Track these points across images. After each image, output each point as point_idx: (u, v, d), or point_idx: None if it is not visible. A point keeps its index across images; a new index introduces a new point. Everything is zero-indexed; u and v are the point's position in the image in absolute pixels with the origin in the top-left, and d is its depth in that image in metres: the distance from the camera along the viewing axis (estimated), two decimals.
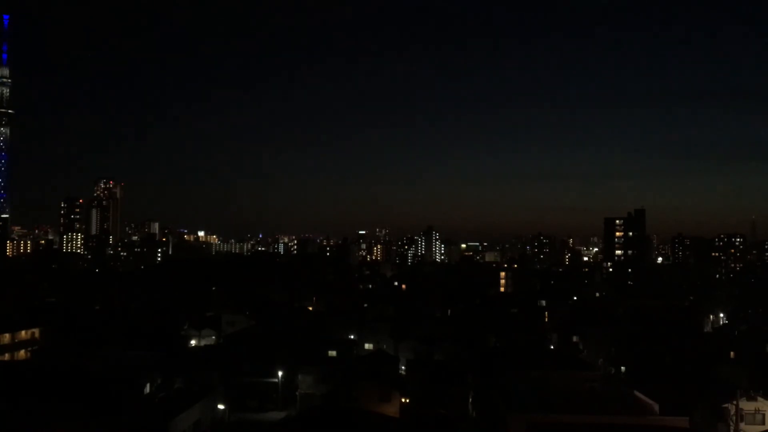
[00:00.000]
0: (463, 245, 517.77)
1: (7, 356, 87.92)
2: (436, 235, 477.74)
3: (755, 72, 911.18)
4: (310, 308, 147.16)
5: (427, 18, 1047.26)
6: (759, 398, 57.19)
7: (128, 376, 62.40)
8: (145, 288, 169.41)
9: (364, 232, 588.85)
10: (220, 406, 63.92)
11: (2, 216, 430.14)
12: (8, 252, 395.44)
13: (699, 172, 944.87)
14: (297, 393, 74.04)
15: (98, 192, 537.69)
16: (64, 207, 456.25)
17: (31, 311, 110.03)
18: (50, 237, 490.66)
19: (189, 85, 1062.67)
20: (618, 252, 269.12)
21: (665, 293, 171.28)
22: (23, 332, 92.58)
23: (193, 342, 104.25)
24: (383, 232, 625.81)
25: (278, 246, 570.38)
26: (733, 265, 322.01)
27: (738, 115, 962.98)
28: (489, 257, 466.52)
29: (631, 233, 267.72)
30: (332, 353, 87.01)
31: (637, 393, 58.91)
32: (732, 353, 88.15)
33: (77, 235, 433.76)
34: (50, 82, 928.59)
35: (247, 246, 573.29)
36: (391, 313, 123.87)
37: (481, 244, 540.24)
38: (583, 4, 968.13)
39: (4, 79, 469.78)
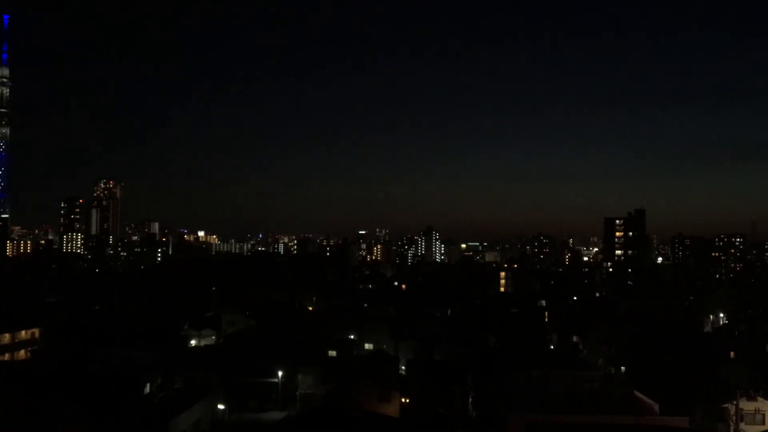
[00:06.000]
0: (463, 245, 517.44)
1: (7, 356, 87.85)
2: (436, 235, 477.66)
3: (755, 72, 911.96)
4: (310, 308, 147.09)
5: (428, 20, 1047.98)
6: (759, 398, 57.19)
7: (128, 376, 62.29)
8: (145, 288, 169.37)
9: (364, 232, 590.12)
10: (220, 406, 63.88)
11: (2, 216, 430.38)
12: (8, 252, 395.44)
13: (699, 172, 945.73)
14: (297, 393, 74.04)
15: (98, 192, 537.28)
16: (64, 207, 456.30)
17: (31, 311, 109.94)
18: (50, 237, 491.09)
19: (189, 86, 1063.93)
20: (618, 252, 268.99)
21: (665, 293, 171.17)
22: (23, 332, 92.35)
23: (193, 342, 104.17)
24: (383, 232, 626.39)
25: (278, 246, 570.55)
26: (733, 265, 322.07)
27: (738, 115, 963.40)
28: (489, 257, 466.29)
29: (631, 233, 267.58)
30: (332, 353, 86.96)
31: (637, 393, 58.92)
32: (732, 353, 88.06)
33: (77, 235, 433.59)
34: (50, 82, 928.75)
35: (247, 246, 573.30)
36: (391, 313, 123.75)
37: (481, 244, 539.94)
38: (583, 5, 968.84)
39: (4, 79, 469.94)
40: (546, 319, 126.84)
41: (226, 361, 75.49)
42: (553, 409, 51.97)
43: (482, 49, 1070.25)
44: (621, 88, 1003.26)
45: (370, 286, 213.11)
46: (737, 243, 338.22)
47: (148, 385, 66.22)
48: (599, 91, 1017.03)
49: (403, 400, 65.40)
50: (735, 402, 55.95)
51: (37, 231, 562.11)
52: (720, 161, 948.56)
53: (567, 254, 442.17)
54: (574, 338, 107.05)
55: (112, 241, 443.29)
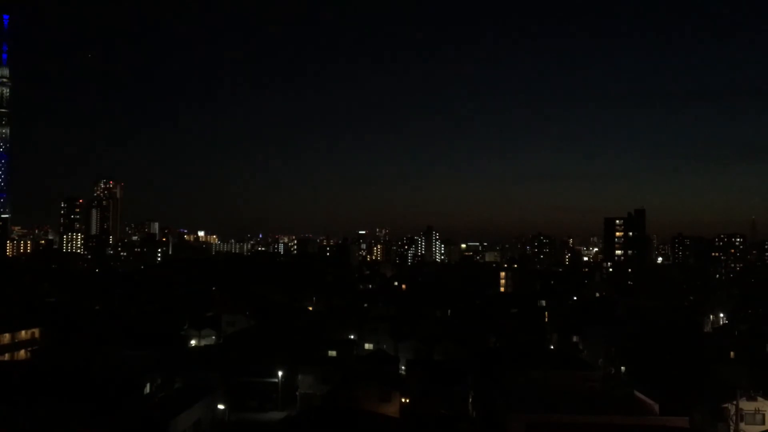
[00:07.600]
0: (463, 245, 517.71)
1: (7, 356, 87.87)
2: (436, 235, 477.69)
3: (755, 72, 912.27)
4: (310, 308, 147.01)
5: (427, 19, 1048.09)
6: (759, 398, 57.18)
7: (128, 376, 62.34)
8: (145, 288, 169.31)
9: (364, 232, 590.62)
10: (220, 406, 63.88)
11: (2, 216, 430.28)
12: (8, 252, 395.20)
13: (699, 172, 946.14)
14: (297, 393, 74.01)
15: (98, 192, 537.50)
16: (64, 207, 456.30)
17: (31, 311, 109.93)
18: (50, 237, 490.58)
19: (189, 86, 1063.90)
20: (618, 252, 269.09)
21: (665, 293, 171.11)
22: (23, 332, 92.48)
23: (193, 342, 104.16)
24: (383, 232, 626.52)
25: (278, 246, 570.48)
26: (733, 265, 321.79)
27: (738, 115, 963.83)
28: (489, 257, 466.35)
29: (631, 233, 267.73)
30: (332, 353, 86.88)
31: (637, 393, 58.91)
32: (732, 353, 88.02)
33: (77, 235, 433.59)
34: (50, 82, 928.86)
35: (247, 246, 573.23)
36: (391, 313, 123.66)
37: (481, 244, 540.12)
38: (584, 5, 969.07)
39: (4, 79, 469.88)
40: (546, 319, 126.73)
41: (226, 361, 75.48)
42: (553, 409, 51.97)
43: (482, 50, 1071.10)
44: (621, 88, 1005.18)
45: (370, 286, 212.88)
46: (737, 243, 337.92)
47: (148, 385, 66.28)
48: (599, 91, 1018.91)
49: (403, 400, 65.29)
50: (735, 402, 55.94)
51: (37, 231, 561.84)
52: (720, 161, 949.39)
53: (567, 254, 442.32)
54: (574, 338, 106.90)
55: (112, 241, 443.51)
